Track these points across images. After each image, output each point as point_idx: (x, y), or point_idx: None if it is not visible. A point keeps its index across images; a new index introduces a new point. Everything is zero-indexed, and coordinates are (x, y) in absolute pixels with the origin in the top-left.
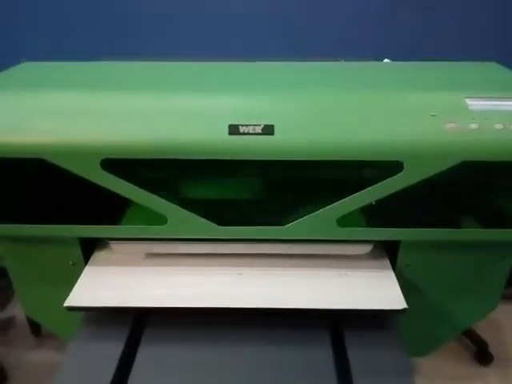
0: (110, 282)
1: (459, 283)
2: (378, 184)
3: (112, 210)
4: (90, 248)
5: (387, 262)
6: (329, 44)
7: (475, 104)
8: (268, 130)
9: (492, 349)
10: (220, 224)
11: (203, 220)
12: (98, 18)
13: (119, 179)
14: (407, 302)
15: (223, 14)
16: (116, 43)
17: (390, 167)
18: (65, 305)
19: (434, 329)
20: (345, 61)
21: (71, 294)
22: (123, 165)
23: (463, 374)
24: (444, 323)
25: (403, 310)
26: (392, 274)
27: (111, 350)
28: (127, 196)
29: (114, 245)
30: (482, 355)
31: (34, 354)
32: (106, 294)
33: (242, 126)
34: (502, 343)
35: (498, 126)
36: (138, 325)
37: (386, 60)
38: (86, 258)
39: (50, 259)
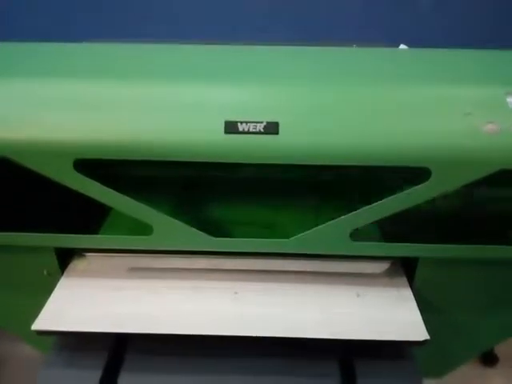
0: (86, 301)
1: (482, 302)
2: (400, 194)
3: (92, 217)
4: (67, 256)
5: (405, 281)
6: (340, 26)
7: None
8: (271, 128)
9: (497, 350)
10: (215, 235)
11: (195, 230)
12: None
13: (95, 182)
14: (425, 321)
15: None
16: (100, 21)
17: (415, 174)
18: (33, 328)
19: (453, 349)
20: (357, 46)
21: (40, 315)
22: (102, 166)
23: (468, 376)
24: (465, 343)
25: (424, 342)
26: (411, 297)
27: (87, 378)
28: (105, 202)
29: (91, 258)
30: (487, 356)
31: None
32: (81, 316)
33: (241, 123)
34: (507, 344)
35: None
36: (118, 349)
37: (402, 46)
38: (63, 267)
39: (24, 268)
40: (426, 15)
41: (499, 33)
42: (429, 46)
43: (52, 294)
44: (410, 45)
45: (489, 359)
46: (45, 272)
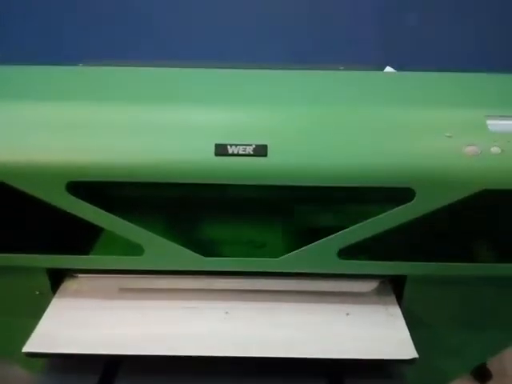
0: (77, 322)
1: (471, 318)
2: (386, 213)
3: (84, 237)
4: (59, 276)
5: (393, 299)
6: (327, 48)
7: (497, 124)
8: (260, 150)
9: (490, 365)
10: (205, 255)
11: (185, 250)
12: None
13: (88, 204)
14: (414, 339)
15: (216, 16)
16: (99, 45)
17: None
18: (23, 350)
19: (443, 366)
20: (344, 68)
21: (31, 338)
22: (94, 186)
23: None
24: (454, 360)
25: (413, 360)
26: (400, 315)
27: None
28: (97, 223)
29: (82, 279)
30: (481, 372)
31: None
32: (72, 338)
33: (231, 145)
34: (500, 360)
35: None
36: (109, 370)
37: (388, 68)
38: (55, 287)
39: (15, 289)
40: (412, 37)
41: (485, 54)
42: (415, 67)
43: (43, 316)
44: (396, 67)
45: (481, 375)
46: (37, 292)
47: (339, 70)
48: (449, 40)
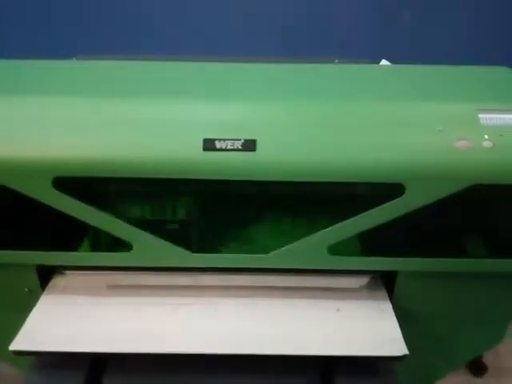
0: (65, 319)
1: (462, 314)
2: (376, 209)
3: (73, 234)
4: (48, 273)
5: (385, 294)
6: (322, 41)
7: (488, 118)
8: (249, 145)
9: (486, 359)
10: (193, 251)
11: (174, 246)
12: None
13: (75, 200)
14: (405, 334)
15: (210, 9)
16: (87, 36)
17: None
18: (10, 348)
19: (434, 362)
20: (339, 61)
21: (18, 335)
22: (82, 182)
23: None
24: (445, 356)
25: (403, 357)
26: (391, 311)
27: None
28: (85, 220)
29: (71, 275)
30: (476, 366)
31: None
32: (59, 335)
33: (219, 140)
34: (496, 353)
35: None
36: (97, 367)
37: (383, 61)
38: (45, 284)
39: (3, 285)
40: (407, 30)
41: (478, 47)
42: (410, 60)
43: (31, 313)
44: (392, 59)
45: (477, 368)
46: (26, 289)
47: (334, 63)
48: (443, 34)
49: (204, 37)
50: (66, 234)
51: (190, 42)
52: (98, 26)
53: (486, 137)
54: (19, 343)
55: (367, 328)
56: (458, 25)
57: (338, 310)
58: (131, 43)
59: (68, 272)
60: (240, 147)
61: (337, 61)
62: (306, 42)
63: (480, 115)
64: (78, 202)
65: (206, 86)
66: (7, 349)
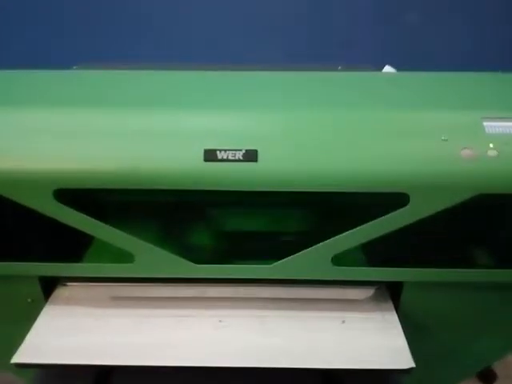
0: (68, 331)
1: (470, 324)
2: (380, 219)
3: (76, 245)
4: (51, 283)
5: (390, 306)
6: (326, 46)
7: (493, 126)
8: (250, 156)
9: (495, 367)
10: (198, 262)
11: (176, 257)
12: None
13: (76, 212)
14: (412, 345)
15: (211, 16)
16: (93, 47)
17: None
18: (12, 361)
19: (442, 372)
20: (342, 68)
21: (21, 347)
22: (84, 193)
23: None
24: (453, 366)
25: (409, 370)
26: (397, 323)
27: None
28: (87, 231)
29: (73, 287)
30: (486, 374)
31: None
32: (62, 347)
33: (220, 151)
34: (505, 361)
35: None
36: (101, 379)
37: (387, 67)
38: (48, 294)
39: (7, 296)
40: (410, 35)
41: (483, 53)
42: (414, 66)
43: (34, 324)
44: (396, 65)
45: (487, 377)
46: (29, 300)
47: (337, 70)
48: (446, 40)
49: (205, 44)
50: (69, 245)
51: (191, 48)
52: (98, 34)
53: (491, 145)
54: (21, 356)
55: (373, 340)
56: (460, 31)
57: (343, 321)
58: (131, 51)
59: (69, 284)
60: (241, 157)
61: (340, 68)
62: (309, 46)
63: (485, 123)
64: (79, 214)
65: (206, 95)
66: (10, 360)
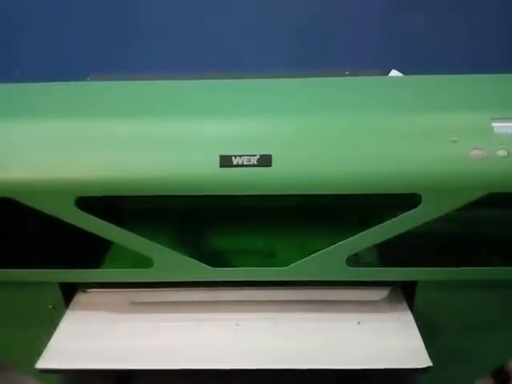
0: (90, 336)
1: (484, 322)
2: (393, 219)
3: (95, 250)
4: (71, 289)
5: (405, 306)
6: (333, 52)
7: (502, 126)
8: (265, 160)
9: (509, 366)
10: (214, 265)
11: (194, 261)
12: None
13: (97, 219)
14: (427, 345)
15: (218, 22)
16: (106, 58)
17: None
18: (37, 366)
19: (457, 372)
20: (350, 73)
21: (44, 353)
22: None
23: None
24: (469, 365)
25: (426, 369)
26: (412, 323)
27: None
28: (107, 237)
29: (92, 293)
30: (499, 373)
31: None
32: (84, 352)
33: (235, 156)
34: None
35: None
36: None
37: (393, 71)
38: (68, 300)
39: (28, 302)
40: (416, 39)
41: (490, 55)
42: (420, 70)
43: (56, 330)
44: (402, 69)
45: (501, 376)
46: (50, 306)
47: (345, 75)
48: (451, 42)
49: (215, 52)
50: (88, 252)
51: (201, 57)
52: (111, 46)
53: (501, 145)
54: (45, 361)
55: (389, 341)
56: (466, 33)
57: (358, 322)
58: (144, 61)
59: (89, 290)
60: (256, 163)
61: (347, 72)
62: (314, 52)
63: (494, 124)
64: (100, 221)
65: (219, 102)
66: (33, 366)
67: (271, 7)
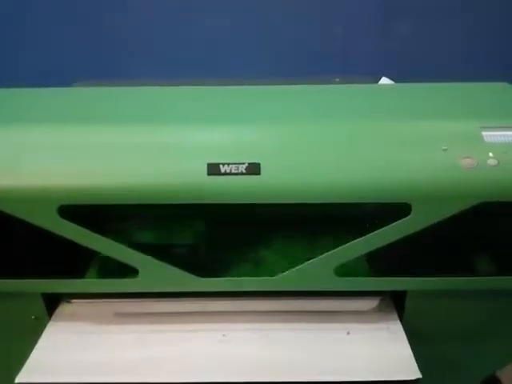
0: (72, 348)
1: (474, 332)
2: (383, 229)
3: (79, 260)
4: (55, 300)
5: (395, 316)
6: (322, 59)
7: (492, 135)
8: (253, 169)
9: (499, 373)
10: (202, 275)
11: (180, 271)
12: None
13: (81, 228)
14: (417, 355)
15: (205, 29)
16: (93, 64)
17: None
18: (16, 380)
19: (446, 381)
20: (340, 80)
21: (25, 366)
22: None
23: None
24: (459, 375)
25: (416, 381)
26: (402, 333)
27: None
28: (91, 246)
29: (77, 304)
30: (490, 381)
31: None
32: (67, 365)
33: (223, 164)
34: (510, 367)
35: None
36: None
37: (383, 78)
38: (52, 310)
39: (10, 313)
40: (408, 46)
41: (481, 64)
42: (410, 77)
43: (38, 343)
44: (392, 76)
45: (491, 383)
46: (32, 317)
47: (334, 82)
48: (444, 50)
49: (202, 59)
50: (72, 261)
51: (189, 64)
52: (99, 51)
53: (491, 154)
54: (26, 375)
55: (378, 351)
56: (456, 42)
57: (348, 333)
58: (131, 67)
59: (73, 301)
60: (244, 171)
61: (337, 80)
62: (304, 59)
63: (484, 133)
64: (83, 230)
65: (207, 110)
66: (14, 376)
67: (260, 14)
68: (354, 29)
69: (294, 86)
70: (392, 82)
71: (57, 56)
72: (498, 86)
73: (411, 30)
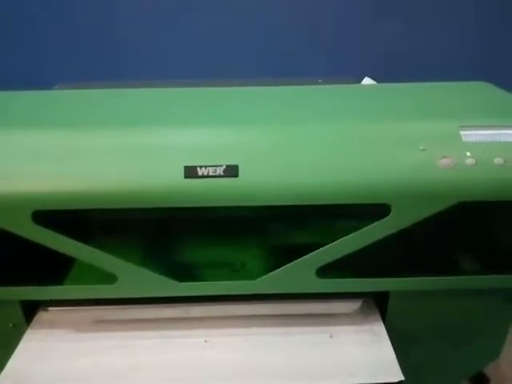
0: (50, 356)
1: (457, 332)
2: (363, 230)
3: (57, 267)
4: (33, 307)
5: (378, 318)
6: (305, 59)
7: (470, 134)
8: (231, 171)
9: (487, 370)
10: (181, 279)
11: (159, 276)
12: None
13: (55, 234)
14: (401, 355)
15: (190, 30)
16: (74, 67)
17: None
18: None
19: (431, 381)
20: (323, 81)
21: (1, 375)
22: (64, 214)
23: None
24: (443, 374)
25: (398, 383)
26: (385, 335)
27: None
28: (67, 253)
29: (55, 311)
30: (478, 377)
31: None
32: (44, 373)
33: (201, 167)
34: (498, 364)
35: (498, 161)
36: None
37: (366, 78)
38: (30, 318)
39: None
40: (389, 46)
41: (461, 64)
42: (394, 77)
43: (15, 351)
44: (375, 77)
45: (479, 380)
46: (10, 325)
47: (317, 83)
48: (426, 50)
49: (186, 60)
50: (51, 268)
51: (170, 62)
52: (80, 54)
53: (469, 154)
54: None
55: (361, 354)
56: (437, 42)
57: (331, 336)
58: (112, 69)
59: (50, 309)
60: (222, 173)
61: (320, 80)
62: (287, 59)
63: (462, 132)
64: (59, 236)
65: (185, 112)
66: None
67: (245, 15)
68: (338, 29)
69: (275, 88)
70: (374, 83)
71: (39, 58)
72: (477, 85)
73: (396, 31)
